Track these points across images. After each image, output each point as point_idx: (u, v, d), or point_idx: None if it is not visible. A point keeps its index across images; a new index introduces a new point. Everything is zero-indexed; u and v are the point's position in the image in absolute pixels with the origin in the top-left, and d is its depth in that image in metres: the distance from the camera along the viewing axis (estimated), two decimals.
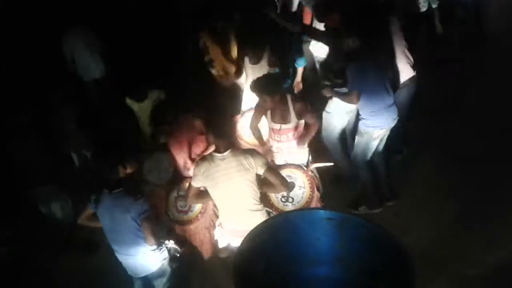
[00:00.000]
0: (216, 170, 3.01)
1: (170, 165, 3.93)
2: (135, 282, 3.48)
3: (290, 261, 2.37)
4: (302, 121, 3.77)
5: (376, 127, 3.94)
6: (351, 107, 4.18)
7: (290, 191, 3.60)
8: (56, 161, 4.15)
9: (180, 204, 3.75)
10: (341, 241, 2.33)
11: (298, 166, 3.73)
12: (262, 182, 3.18)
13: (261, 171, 3.05)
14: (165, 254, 3.31)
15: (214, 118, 3.91)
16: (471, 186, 4.30)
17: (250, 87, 3.70)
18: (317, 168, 3.86)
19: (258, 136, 3.97)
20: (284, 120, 3.68)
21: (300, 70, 5.26)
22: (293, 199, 3.60)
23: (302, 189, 3.63)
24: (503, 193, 4.13)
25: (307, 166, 3.82)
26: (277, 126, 3.73)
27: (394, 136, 4.25)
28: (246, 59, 4.52)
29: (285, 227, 2.44)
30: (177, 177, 3.95)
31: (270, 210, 3.42)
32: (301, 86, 5.30)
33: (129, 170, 3.16)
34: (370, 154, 4.12)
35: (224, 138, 3.08)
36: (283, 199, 3.62)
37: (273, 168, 3.29)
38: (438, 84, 5.67)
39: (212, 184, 3.06)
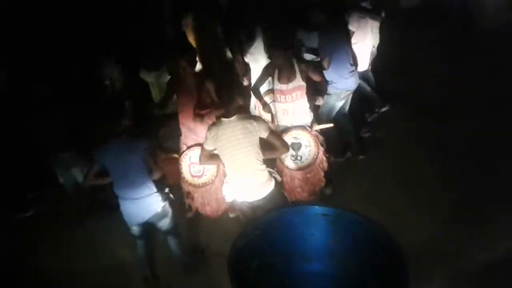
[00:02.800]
0: (224, 133, 3.34)
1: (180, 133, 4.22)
2: (138, 242, 3.78)
3: (284, 257, 2.38)
4: (304, 83, 4.03)
5: (343, 89, 4.68)
6: (347, 89, 4.75)
7: (298, 150, 4.02)
8: (75, 130, 4.37)
9: (194, 170, 4.07)
10: (335, 237, 2.34)
11: (303, 128, 4.06)
12: (265, 149, 3.49)
13: (264, 134, 3.36)
14: (166, 196, 3.64)
15: (222, 86, 4.05)
16: (466, 184, 4.30)
17: (265, 43, 4.28)
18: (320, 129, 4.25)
19: (258, 96, 4.30)
20: (290, 79, 3.97)
21: None
22: (301, 157, 4.04)
23: (308, 147, 4.02)
24: (498, 191, 4.14)
25: (310, 127, 4.12)
26: (283, 86, 4.01)
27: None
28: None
29: (279, 223, 2.44)
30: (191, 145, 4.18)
31: (272, 171, 3.70)
32: None
33: (127, 122, 3.49)
34: (334, 113, 4.82)
35: (232, 104, 3.39)
36: (292, 158, 4.07)
37: (275, 132, 3.62)
38: (432, 82, 5.71)
39: (221, 145, 3.38)
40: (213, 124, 3.48)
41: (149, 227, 3.74)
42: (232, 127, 3.33)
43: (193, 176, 4.08)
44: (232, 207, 4.21)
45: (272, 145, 3.48)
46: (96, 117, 4.09)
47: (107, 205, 4.44)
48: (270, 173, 3.56)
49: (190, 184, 4.08)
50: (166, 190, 3.69)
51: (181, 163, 4.09)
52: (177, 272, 3.93)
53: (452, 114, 5.26)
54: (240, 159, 3.36)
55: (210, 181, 4.07)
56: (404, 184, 4.50)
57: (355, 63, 4.78)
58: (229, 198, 3.65)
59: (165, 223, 3.66)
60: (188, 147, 4.10)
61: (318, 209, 2.43)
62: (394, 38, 5.60)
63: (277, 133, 3.72)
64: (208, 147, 3.46)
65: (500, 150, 4.58)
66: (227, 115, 3.38)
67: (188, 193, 4.14)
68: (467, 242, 3.75)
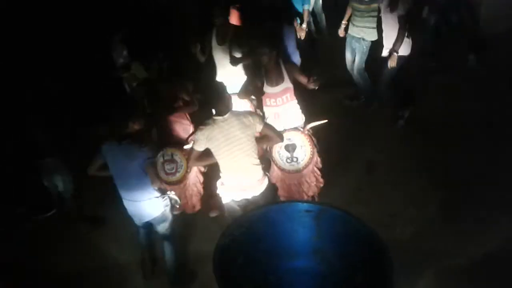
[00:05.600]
0: (220, 131, 3.25)
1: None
2: (140, 230, 3.76)
3: (269, 254, 2.38)
4: (292, 85, 3.93)
5: None
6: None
7: (293, 152, 3.90)
8: (59, 136, 4.23)
9: (167, 167, 4.04)
10: (318, 233, 2.35)
11: (295, 129, 3.94)
12: (259, 140, 3.46)
13: (259, 127, 3.32)
14: (167, 201, 3.57)
15: (208, 85, 4.01)
16: (457, 179, 4.29)
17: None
18: (313, 127, 4.10)
19: (249, 97, 4.25)
20: (279, 81, 3.88)
21: (305, 13, 5.44)
22: (297, 158, 3.90)
23: (303, 148, 3.89)
24: (489, 186, 4.13)
25: (303, 127, 4.03)
26: (273, 89, 3.91)
27: None
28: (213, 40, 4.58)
29: (263, 220, 2.45)
30: (162, 143, 4.15)
31: (263, 167, 3.63)
32: (304, 32, 5.52)
33: (137, 127, 3.41)
34: None
35: (223, 102, 3.32)
36: (288, 160, 3.91)
37: (268, 123, 3.59)
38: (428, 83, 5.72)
39: (216, 145, 3.29)
40: (205, 124, 3.36)
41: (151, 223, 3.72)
42: (228, 124, 3.26)
43: (167, 174, 4.06)
44: (213, 205, 4.20)
45: (267, 136, 3.46)
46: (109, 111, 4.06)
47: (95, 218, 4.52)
48: (264, 169, 3.53)
49: (165, 182, 4.04)
50: (170, 195, 3.64)
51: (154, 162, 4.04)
52: None
53: (444, 110, 5.24)
54: (238, 156, 3.30)
55: (184, 177, 4.06)
56: (394, 178, 4.49)
57: None
58: (226, 199, 3.56)
59: (163, 228, 3.63)
60: (160, 147, 4.06)
61: (301, 205, 2.45)
62: None
63: (270, 124, 3.64)
64: (200, 148, 3.35)
65: (492, 147, 4.59)
66: (220, 113, 3.29)
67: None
68: (458, 237, 3.75)
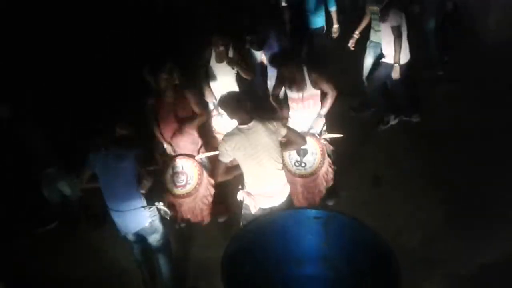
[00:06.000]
0: (247, 139, 3.23)
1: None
2: (134, 246, 3.69)
3: (277, 261, 2.40)
4: (318, 91, 3.99)
5: None
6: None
7: (303, 157, 3.91)
8: (57, 145, 4.25)
9: (178, 179, 3.97)
10: (327, 240, 2.36)
11: (312, 134, 3.96)
12: (282, 144, 3.43)
13: (284, 132, 3.32)
14: (154, 212, 3.49)
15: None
16: (462, 186, 4.28)
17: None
18: (330, 139, 4.13)
19: (278, 104, 4.25)
20: (301, 88, 3.91)
21: (334, 14, 5.44)
22: (305, 164, 3.91)
23: (314, 155, 3.91)
24: (494, 193, 4.12)
25: (320, 135, 4.05)
26: (295, 95, 3.96)
27: None
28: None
29: (272, 227, 2.47)
30: (169, 156, 4.09)
31: None
32: (337, 32, 5.53)
33: (124, 132, 3.39)
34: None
35: (245, 110, 3.26)
36: (296, 163, 3.92)
37: (291, 127, 3.57)
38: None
39: (244, 154, 3.25)
40: (229, 134, 3.33)
41: (143, 236, 3.63)
42: (254, 131, 3.24)
43: (177, 187, 3.98)
44: (222, 210, 4.22)
45: (290, 140, 3.45)
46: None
47: (97, 216, 4.47)
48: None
49: (174, 194, 3.98)
50: (159, 206, 3.55)
51: (164, 174, 3.98)
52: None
53: (446, 115, 5.25)
54: (266, 162, 3.28)
55: (195, 189, 3.98)
56: (400, 186, 4.49)
57: None
58: (253, 209, 3.47)
59: (154, 239, 3.55)
60: (170, 158, 4.01)
61: (310, 212, 2.46)
62: None
63: (292, 128, 3.63)
64: (226, 159, 3.31)
65: (496, 152, 4.58)
66: (244, 122, 3.26)
67: (172, 205, 4.01)
68: (464, 243, 3.74)
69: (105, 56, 5.69)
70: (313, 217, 2.44)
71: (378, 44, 4.93)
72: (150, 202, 3.48)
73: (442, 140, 4.91)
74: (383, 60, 4.81)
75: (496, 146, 4.64)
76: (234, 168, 3.42)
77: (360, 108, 5.47)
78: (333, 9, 5.52)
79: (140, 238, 3.60)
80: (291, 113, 4.11)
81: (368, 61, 5.18)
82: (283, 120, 3.93)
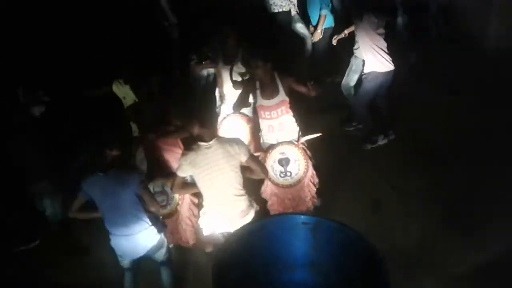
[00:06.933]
0: (203, 158, 3.15)
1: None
2: (126, 273, 3.53)
3: (266, 267, 2.38)
4: (287, 99, 3.91)
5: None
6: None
7: (287, 166, 3.86)
8: (50, 159, 4.13)
9: (159, 199, 3.79)
10: (315, 245, 2.35)
11: (290, 142, 3.92)
12: (244, 169, 3.35)
13: (244, 158, 3.20)
14: (160, 227, 3.45)
15: (197, 110, 4.00)
16: (455, 188, 4.30)
17: (243, 57, 4.17)
18: (307, 140, 4.08)
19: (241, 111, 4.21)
20: (273, 94, 3.84)
21: (322, 18, 5.63)
22: (291, 173, 3.87)
23: (297, 162, 3.87)
24: (486, 194, 4.14)
25: (297, 140, 4.01)
26: (267, 102, 3.87)
27: None
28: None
29: (260, 233, 2.45)
30: (153, 173, 3.99)
31: (251, 199, 3.49)
32: (319, 36, 5.75)
33: (115, 153, 3.25)
34: None
35: (209, 127, 3.25)
36: (282, 174, 3.89)
37: (254, 156, 3.47)
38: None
39: (199, 172, 3.18)
40: (189, 149, 3.26)
41: (141, 261, 3.51)
42: (212, 151, 3.14)
43: None
44: (207, 241, 3.91)
45: (250, 169, 3.33)
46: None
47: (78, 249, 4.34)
48: (250, 201, 3.40)
49: None
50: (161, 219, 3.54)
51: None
52: None
53: (441, 119, 5.26)
54: (220, 185, 3.18)
55: (175, 210, 3.87)
56: (393, 187, 4.50)
57: None
58: (206, 231, 3.46)
59: (161, 254, 3.48)
60: (150, 178, 3.89)
61: (298, 218, 2.44)
62: None
63: (256, 157, 3.57)
64: (183, 173, 3.26)
65: (488, 154, 4.60)
66: (204, 139, 3.17)
67: None
68: (458, 245, 3.75)
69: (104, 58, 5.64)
70: (301, 223, 2.42)
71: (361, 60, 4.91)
72: (156, 217, 3.42)
73: (442, 140, 4.93)
74: (364, 71, 4.82)
75: (496, 146, 4.68)
76: (191, 185, 3.37)
77: (348, 122, 5.43)
78: (323, 12, 5.65)
79: (137, 264, 3.48)
80: (261, 122, 4.01)
81: (353, 77, 5.13)
82: (250, 145, 3.92)
